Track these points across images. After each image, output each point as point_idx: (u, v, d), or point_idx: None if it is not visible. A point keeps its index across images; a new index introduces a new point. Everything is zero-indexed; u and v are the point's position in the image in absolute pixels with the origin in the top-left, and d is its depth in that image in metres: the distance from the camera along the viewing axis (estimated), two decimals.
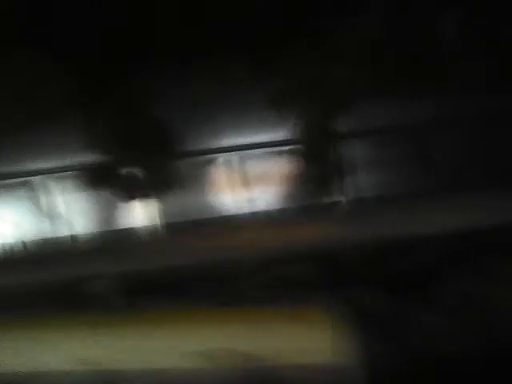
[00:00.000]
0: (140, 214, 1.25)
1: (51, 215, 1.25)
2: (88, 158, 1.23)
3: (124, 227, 1.25)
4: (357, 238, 1.17)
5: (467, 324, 1.08)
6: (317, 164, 1.24)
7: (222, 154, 1.24)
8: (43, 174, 1.24)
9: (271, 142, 1.24)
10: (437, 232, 1.16)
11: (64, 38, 1.17)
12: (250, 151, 1.24)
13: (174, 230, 1.24)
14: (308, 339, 1.06)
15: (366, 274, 1.19)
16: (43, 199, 1.25)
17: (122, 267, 1.18)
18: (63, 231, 1.25)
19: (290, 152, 1.24)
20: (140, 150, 1.23)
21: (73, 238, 1.25)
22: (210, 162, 1.25)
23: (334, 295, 1.12)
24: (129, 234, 1.25)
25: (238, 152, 1.24)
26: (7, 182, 1.24)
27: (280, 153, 1.24)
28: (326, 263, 1.19)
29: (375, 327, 1.10)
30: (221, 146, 1.24)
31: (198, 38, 1.18)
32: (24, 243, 1.25)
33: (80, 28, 1.17)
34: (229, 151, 1.24)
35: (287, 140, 1.24)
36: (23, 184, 1.24)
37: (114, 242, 1.24)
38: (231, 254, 1.18)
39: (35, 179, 1.24)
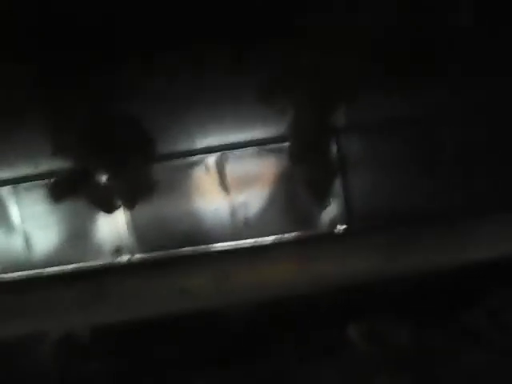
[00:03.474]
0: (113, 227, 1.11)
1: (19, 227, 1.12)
2: (57, 165, 1.09)
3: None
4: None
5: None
6: (314, 164, 1.07)
7: (204, 156, 1.09)
8: (10, 183, 1.12)
9: (261, 139, 1.08)
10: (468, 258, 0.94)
11: (29, 43, 1.06)
12: (236, 151, 1.08)
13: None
14: None
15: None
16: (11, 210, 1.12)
17: None
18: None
19: (281, 150, 1.07)
20: (113, 155, 1.09)
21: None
22: (191, 164, 1.09)
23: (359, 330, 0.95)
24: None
25: (222, 152, 1.08)
26: None
27: (271, 151, 1.08)
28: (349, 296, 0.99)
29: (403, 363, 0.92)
30: (203, 146, 1.09)
31: (170, 25, 1.04)
32: None
33: (47, 31, 1.05)
34: (213, 151, 1.09)
35: (278, 137, 1.07)
36: None
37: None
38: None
39: (2, 189, 1.12)
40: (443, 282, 0.98)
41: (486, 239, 0.95)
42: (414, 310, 0.99)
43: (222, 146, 1.08)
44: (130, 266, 1.10)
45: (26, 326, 1.05)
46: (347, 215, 1.07)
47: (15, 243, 1.13)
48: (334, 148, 1.07)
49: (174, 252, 1.10)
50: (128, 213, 1.10)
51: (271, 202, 1.09)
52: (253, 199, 1.09)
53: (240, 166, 1.08)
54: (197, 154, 1.09)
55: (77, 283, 1.04)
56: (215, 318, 1.00)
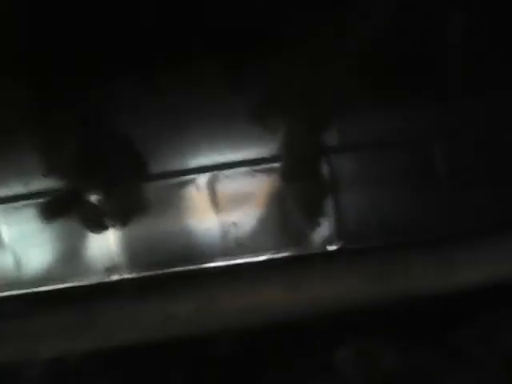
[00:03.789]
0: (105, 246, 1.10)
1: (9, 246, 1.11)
2: (48, 184, 1.09)
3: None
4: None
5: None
6: (306, 183, 1.07)
7: (196, 175, 1.08)
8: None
9: (253, 159, 1.08)
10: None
11: (21, 58, 1.05)
12: (228, 170, 1.08)
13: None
14: None
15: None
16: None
17: None
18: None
19: (273, 171, 1.07)
20: (104, 175, 1.09)
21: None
22: (183, 184, 1.09)
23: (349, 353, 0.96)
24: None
25: (214, 171, 1.08)
26: None
27: (262, 171, 1.08)
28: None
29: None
30: (195, 165, 1.08)
31: (163, 42, 1.03)
32: None
33: (37, 45, 1.04)
34: (205, 171, 1.08)
35: (271, 156, 1.07)
36: None
37: None
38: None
39: None
40: (434, 304, 0.98)
41: (479, 261, 0.95)
42: (405, 333, 0.99)
43: (214, 165, 1.08)
44: (121, 285, 1.09)
45: (14, 350, 1.04)
46: (339, 234, 1.07)
47: (5, 262, 1.12)
48: (326, 167, 1.07)
49: (166, 271, 1.09)
50: (119, 232, 1.10)
51: (263, 221, 1.08)
52: (244, 218, 1.09)
53: (232, 185, 1.08)
54: (189, 174, 1.09)
55: (67, 304, 1.03)
56: (204, 342, 0.99)
